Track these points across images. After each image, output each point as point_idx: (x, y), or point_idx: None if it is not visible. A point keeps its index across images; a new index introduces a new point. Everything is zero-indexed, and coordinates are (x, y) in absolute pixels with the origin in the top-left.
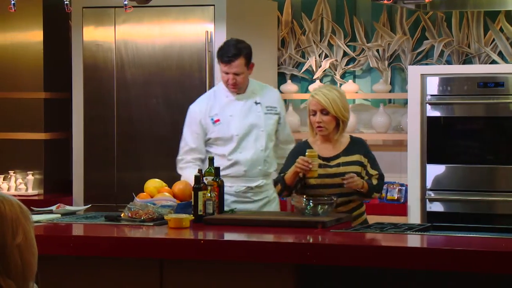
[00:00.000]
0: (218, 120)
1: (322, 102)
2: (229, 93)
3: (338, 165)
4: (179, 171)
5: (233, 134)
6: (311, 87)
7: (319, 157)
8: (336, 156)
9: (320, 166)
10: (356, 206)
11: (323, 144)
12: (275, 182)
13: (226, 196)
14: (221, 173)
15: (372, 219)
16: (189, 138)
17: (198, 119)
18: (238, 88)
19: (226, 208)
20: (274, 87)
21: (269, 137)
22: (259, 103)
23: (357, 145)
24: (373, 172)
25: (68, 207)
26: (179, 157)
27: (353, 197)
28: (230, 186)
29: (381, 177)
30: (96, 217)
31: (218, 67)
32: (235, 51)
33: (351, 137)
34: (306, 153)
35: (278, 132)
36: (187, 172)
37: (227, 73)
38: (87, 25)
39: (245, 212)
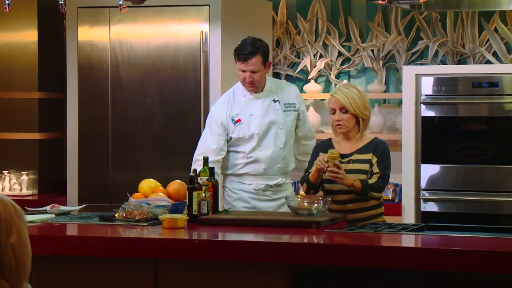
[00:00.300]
0: (239, 120)
1: (340, 100)
2: (247, 92)
3: (349, 161)
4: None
5: (254, 132)
6: (305, 87)
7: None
8: (351, 154)
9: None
10: (370, 206)
11: (344, 142)
12: (301, 182)
13: (244, 194)
14: (241, 171)
15: None
16: (209, 138)
17: (220, 121)
18: (255, 86)
19: (245, 205)
20: None
21: (289, 134)
22: (277, 100)
23: (374, 145)
24: (375, 170)
25: (63, 207)
26: (196, 157)
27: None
28: (249, 184)
29: (382, 176)
30: (90, 217)
31: (213, 67)
32: (252, 49)
33: (375, 138)
34: (328, 153)
35: (298, 128)
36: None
37: (244, 71)
38: (81, 25)
39: (239, 212)
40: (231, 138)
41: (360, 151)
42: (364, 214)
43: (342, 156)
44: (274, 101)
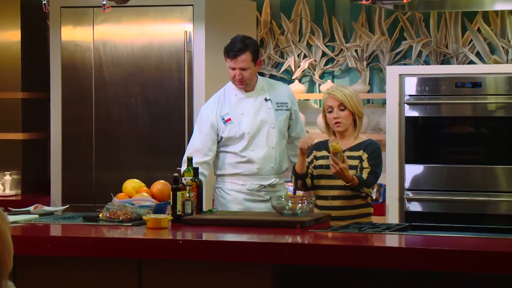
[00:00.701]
0: (229, 120)
1: (339, 97)
2: (238, 91)
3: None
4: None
5: (244, 132)
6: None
7: (328, 151)
8: (343, 151)
9: (324, 157)
10: (357, 204)
11: (339, 140)
12: (291, 177)
13: (238, 194)
14: (233, 170)
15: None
16: (197, 138)
17: (210, 121)
18: (245, 84)
19: (238, 207)
20: None
21: (281, 134)
22: (269, 99)
23: (365, 144)
24: (366, 165)
25: (46, 208)
26: (185, 158)
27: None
28: (242, 184)
29: (373, 172)
30: (74, 218)
31: (197, 67)
32: (241, 46)
33: (368, 139)
34: (330, 147)
35: (290, 128)
36: None
37: (233, 69)
38: (65, 25)
39: (223, 212)
40: (221, 138)
41: (352, 149)
42: (350, 212)
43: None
44: (266, 100)
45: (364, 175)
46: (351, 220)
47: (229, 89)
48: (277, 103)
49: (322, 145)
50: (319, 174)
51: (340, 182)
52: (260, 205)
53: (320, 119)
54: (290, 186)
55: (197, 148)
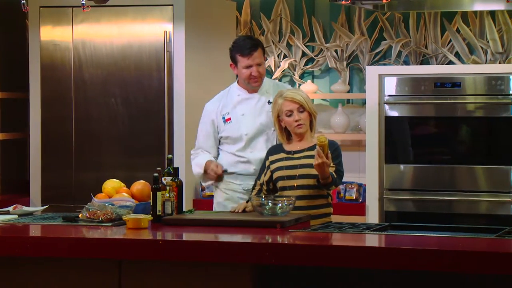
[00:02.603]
0: (229, 119)
1: (300, 100)
2: (242, 91)
3: (300, 157)
4: (192, 162)
5: (243, 133)
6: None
7: (286, 152)
8: (301, 151)
9: (284, 159)
10: (319, 204)
11: (295, 142)
12: (252, 190)
13: (234, 194)
14: (232, 170)
15: (330, 218)
16: (200, 136)
17: (211, 119)
18: (261, 80)
19: (233, 206)
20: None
21: None
22: (271, 102)
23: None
24: (330, 164)
25: (25, 208)
26: (192, 152)
27: (314, 190)
28: (238, 184)
29: (338, 171)
30: (53, 218)
31: (177, 67)
32: (253, 42)
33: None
34: (317, 141)
35: None
36: (197, 158)
37: (249, 66)
38: (44, 24)
39: (203, 213)
40: (221, 137)
41: (311, 148)
42: (313, 211)
43: (292, 152)
44: (269, 102)
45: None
46: (314, 220)
47: (234, 88)
48: None
49: (278, 149)
50: (279, 176)
51: (300, 182)
52: None
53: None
54: None
55: (202, 146)
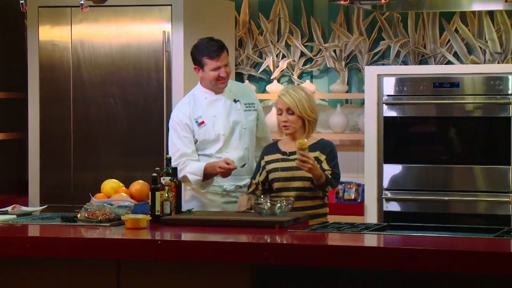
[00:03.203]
0: (203, 122)
1: (287, 103)
2: (208, 93)
3: (295, 159)
4: (181, 173)
5: (219, 133)
6: (268, 88)
7: (282, 153)
8: (296, 152)
9: (280, 160)
10: (315, 205)
11: (290, 142)
12: (248, 189)
13: (216, 197)
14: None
15: (329, 219)
16: (179, 143)
17: (185, 123)
18: (227, 82)
19: (217, 209)
20: None
21: (252, 134)
22: (238, 100)
23: (320, 145)
24: (326, 167)
25: (24, 208)
26: (174, 163)
27: (310, 192)
28: (219, 186)
29: (334, 175)
30: (52, 218)
31: (176, 67)
32: (219, 44)
33: (321, 139)
34: (297, 144)
35: (257, 128)
36: (189, 167)
37: (218, 68)
38: (43, 24)
39: (202, 213)
40: (196, 140)
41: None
42: (309, 212)
43: (288, 153)
44: (235, 101)
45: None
46: (310, 220)
47: (199, 91)
48: (245, 104)
49: (273, 149)
50: (275, 178)
51: (297, 184)
52: (236, 206)
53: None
54: None
55: (184, 152)
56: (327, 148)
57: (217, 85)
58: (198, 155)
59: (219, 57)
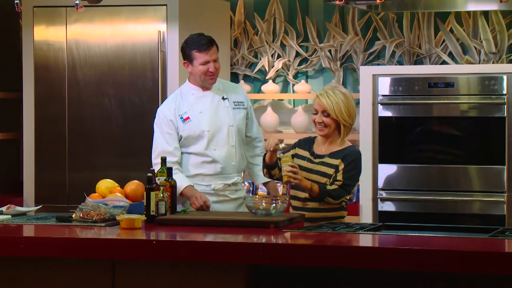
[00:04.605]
0: (188, 118)
1: (324, 104)
2: (196, 90)
3: (319, 163)
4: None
5: (204, 130)
6: (263, 88)
7: (311, 153)
8: (323, 156)
9: (306, 159)
10: (330, 208)
11: (322, 143)
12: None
13: (207, 197)
14: (197, 171)
15: None
16: (162, 140)
17: (169, 119)
18: (216, 78)
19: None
20: None
21: (239, 133)
22: (226, 98)
23: (346, 153)
24: (339, 177)
25: (19, 208)
26: (154, 161)
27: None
28: (207, 185)
29: (343, 186)
30: (47, 218)
31: (171, 67)
32: (209, 38)
33: (350, 146)
34: (281, 159)
35: (247, 128)
36: (175, 176)
37: (207, 62)
38: (38, 24)
39: (197, 213)
40: (181, 137)
41: (332, 155)
42: (323, 214)
43: (316, 156)
44: (223, 98)
45: (332, 187)
46: (323, 221)
47: (186, 88)
48: (234, 102)
49: (306, 144)
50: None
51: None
52: (226, 206)
53: (293, 119)
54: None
55: (165, 149)
56: (349, 157)
57: (206, 81)
58: (184, 153)
59: (208, 50)
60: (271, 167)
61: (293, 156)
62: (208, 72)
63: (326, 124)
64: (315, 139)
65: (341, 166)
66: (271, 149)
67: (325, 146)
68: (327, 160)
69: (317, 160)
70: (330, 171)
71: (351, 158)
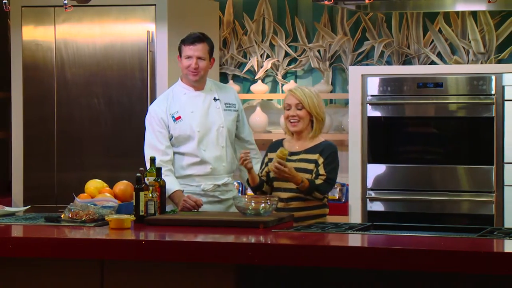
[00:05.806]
0: (179, 117)
1: (298, 96)
2: (188, 89)
3: (296, 160)
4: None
5: (194, 130)
6: (252, 88)
7: (288, 153)
8: (298, 153)
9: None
10: (312, 206)
11: (295, 141)
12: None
13: (196, 197)
14: (187, 172)
15: None
16: (154, 139)
17: (160, 117)
18: (199, 76)
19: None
20: None
21: (230, 134)
22: (218, 99)
23: (322, 147)
24: (322, 172)
25: (7, 208)
26: (147, 157)
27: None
28: (197, 186)
29: (328, 180)
30: (35, 218)
31: (160, 67)
32: (200, 36)
33: (324, 141)
34: (277, 152)
35: (238, 130)
36: (166, 178)
37: (189, 57)
38: (26, 24)
39: (186, 213)
40: (171, 136)
41: (308, 151)
42: (306, 213)
43: (291, 154)
44: (215, 99)
45: (318, 181)
46: (307, 221)
47: (178, 87)
48: (225, 104)
49: (277, 147)
50: (274, 177)
51: (293, 185)
52: (216, 206)
53: (282, 119)
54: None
55: (156, 148)
56: (327, 151)
57: (189, 75)
58: (175, 152)
59: (192, 45)
60: (258, 188)
61: (269, 160)
62: (189, 67)
63: (300, 117)
64: (283, 141)
65: (321, 160)
66: (241, 164)
67: (298, 144)
68: (304, 156)
69: (294, 158)
70: (311, 166)
71: (329, 152)
